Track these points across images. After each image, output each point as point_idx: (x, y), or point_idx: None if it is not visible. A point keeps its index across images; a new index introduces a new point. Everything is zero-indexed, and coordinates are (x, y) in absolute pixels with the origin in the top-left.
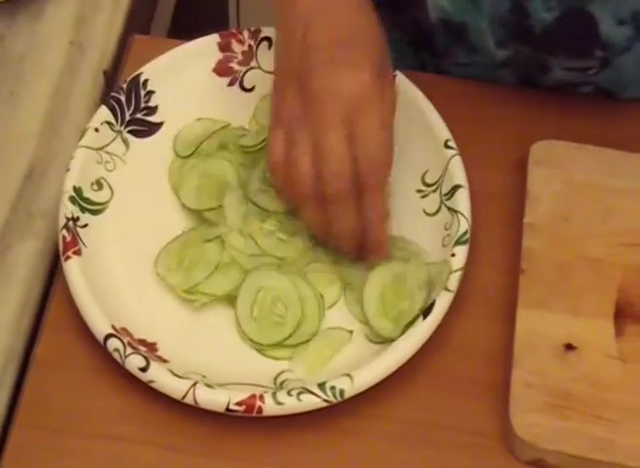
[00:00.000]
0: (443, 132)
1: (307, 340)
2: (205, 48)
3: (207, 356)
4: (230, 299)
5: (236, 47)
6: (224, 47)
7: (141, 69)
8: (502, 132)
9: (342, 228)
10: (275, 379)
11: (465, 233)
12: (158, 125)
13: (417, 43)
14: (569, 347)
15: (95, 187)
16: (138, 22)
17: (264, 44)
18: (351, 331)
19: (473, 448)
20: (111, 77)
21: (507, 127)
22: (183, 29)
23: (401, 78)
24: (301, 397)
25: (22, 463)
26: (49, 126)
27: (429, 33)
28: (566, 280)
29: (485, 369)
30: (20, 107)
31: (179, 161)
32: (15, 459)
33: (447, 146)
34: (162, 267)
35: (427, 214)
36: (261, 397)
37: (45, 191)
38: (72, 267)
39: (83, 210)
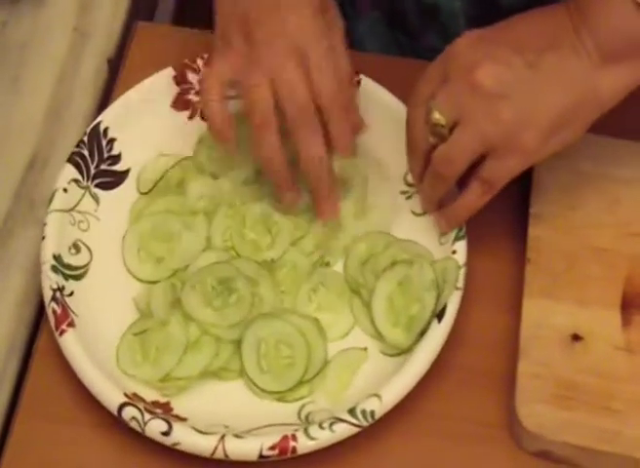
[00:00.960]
0: None
1: (323, 368)
2: (161, 84)
3: (225, 405)
4: (215, 373)
5: (192, 77)
6: (180, 79)
7: (100, 117)
8: None
9: (311, 154)
10: (299, 414)
11: (461, 228)
12: (124, 173)
13: (394, 23)
14: (575, 338)
15: (72, 251)
16: (142, 9)
17: None
18: (366, 349)
19: (479, 438)
20: (115, 65)
21: None
22: (187, 16)
23: (368, 82)
24: (334, 427)
25: (26, 453)
26: (52, 113)
27: (403, 12)
28: (572, 270)
29: (492, 359)
30: (23, 94)
31: (142, 200)
32: (18, 449)
33: None
34: (127, 364)
35: (416, 214)
36: (294, 436)
37: (48, 179)
38: (70, 341)
39: (66, 277)
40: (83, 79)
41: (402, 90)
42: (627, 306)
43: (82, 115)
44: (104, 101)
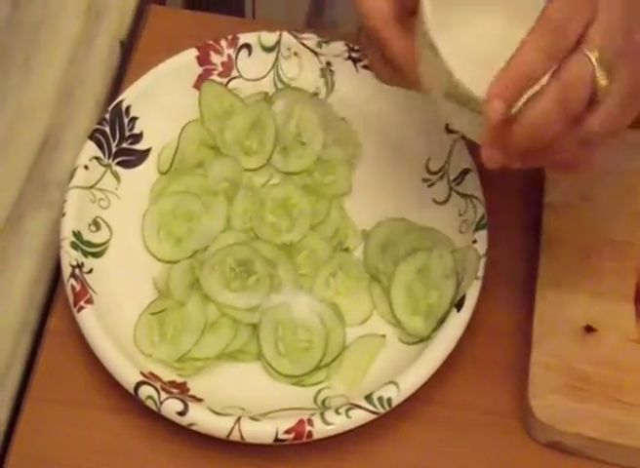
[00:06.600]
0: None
1: (340, 353)
2: (184, 64)
3: (242, 387)
4: (233, 355)
5: (215, 58)
6: (203, 60)
7: (122, 96)
8: None
9: None
10: (315, 399)
11: (483, 217)
12: (145, 152)
13: None
14: (588, 329)
15: (92, 228)
16: None
17: (244, 51)
18: (384, 336)
19: (491, 428)
20: (128, 47)
21: None
22: (198, 0)
23: None
24: (350, 413)
25: (36, 435)
26: (64, 94)
27: None
28: (585, 261)
29: (506, 350)
30: (35, 75)
31: (163, 180)
32: (28, 431)
33: (448, 131)
34: (144, 344)
35: (437, 202)
36: (310, 421)
37: (60, 161)
38: (88, 318)
39: (85, 254)
40: (95, 60)
41: None
42: None
43: (94, 97)
44: (117, 83)
